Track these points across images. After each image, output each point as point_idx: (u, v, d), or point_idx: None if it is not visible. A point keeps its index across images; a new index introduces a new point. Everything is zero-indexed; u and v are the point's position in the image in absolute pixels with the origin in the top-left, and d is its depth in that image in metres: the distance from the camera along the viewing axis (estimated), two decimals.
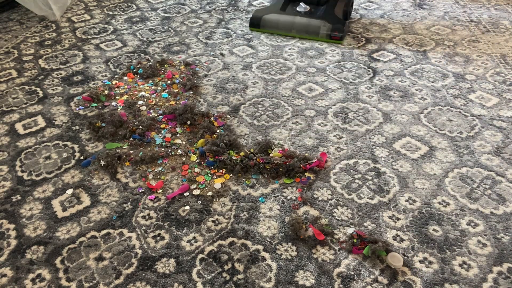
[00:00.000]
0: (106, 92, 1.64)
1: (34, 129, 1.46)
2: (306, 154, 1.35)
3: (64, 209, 1.16)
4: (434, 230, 1.10)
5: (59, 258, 1.03)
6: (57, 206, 1.17)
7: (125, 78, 1.75)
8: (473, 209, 1.16)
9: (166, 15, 2.29)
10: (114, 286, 0.97)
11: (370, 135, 1.43)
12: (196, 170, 1.29)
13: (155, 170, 1.29)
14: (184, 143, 1.40)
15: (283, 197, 1.20)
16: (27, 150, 1.37)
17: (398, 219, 1.14)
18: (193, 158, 1.33)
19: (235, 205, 1.18)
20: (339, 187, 1.23)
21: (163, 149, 1.37)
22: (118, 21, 2.23)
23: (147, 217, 1.14)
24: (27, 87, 1.68)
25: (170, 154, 1.35)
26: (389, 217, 1.14)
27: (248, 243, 1.07)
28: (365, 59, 1.86)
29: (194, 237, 1.08)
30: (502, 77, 1.72)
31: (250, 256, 1.04)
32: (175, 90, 1.66)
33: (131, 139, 1.41)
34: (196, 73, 1.77)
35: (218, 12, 2.33)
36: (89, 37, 2.07)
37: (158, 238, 1.08)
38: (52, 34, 2.09)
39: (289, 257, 1.04)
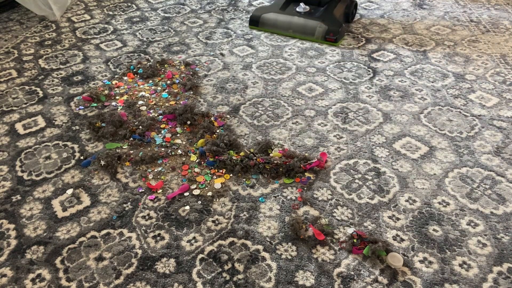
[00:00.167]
0: (106, 92, 1.64)
1: (34, 129, 1.46)
2: (306, 154, 1.35)
3: (64, 209, 1.16)
4: (434, 230, 1.10)
5: (59, 258, 1.03)
6: (57, 206, 1.17)
7: (125, 78, 1.75)
8: (473, 209, 1.16)
9: (166, 15, 2.29)
10: (114, 286, 0.97)
11: (370, 135, 1.43)
12: (196, 170, 1.29)
13: (155, 170, 1.29)
14: (184, 143, 1.40)
15: (283, 197, 1.20)
16: (27, 150, 1.37)
17: (398, 219, 1.14)
18: (193, 158, 1.33)
19: (235, 205, 1.18)
20: (339, 187, 1.23)
21: (163, 149, 1.37)
22: (118, 21, 2.23)
23: (147, 217, 1.14)
24: (27, 87, 1.68)
25: (170, 154, 1.35)
26: (389, 217, 1.14)
27: (248, 243, 1.07)
28: (365, 59, 1.86)
29: (194, 237, 1.08)
30: (502, 77, 1.72)
31: (250, 256, 1.04)
32: (175, 90, 1.66)
33: (131, 139, 1.41)
34: (196, 73, 1.77)
35: (218, 12, 2.33)
36: (89, 37, 2.07)
37: (158, 238, 1.08)
38: (52, 34, 2.09)
39: (289, 257, 1.04)
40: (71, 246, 1.06)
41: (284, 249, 1.06)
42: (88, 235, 1.09)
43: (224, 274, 0.99)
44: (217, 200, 1.19)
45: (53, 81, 1.72)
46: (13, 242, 1.08)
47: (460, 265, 1.02)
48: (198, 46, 1.98)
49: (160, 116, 1.51)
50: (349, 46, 1.98)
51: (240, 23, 2.20)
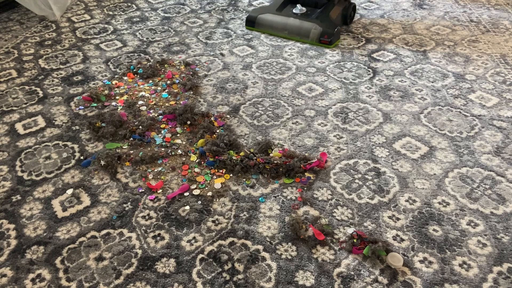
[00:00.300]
0: (106, 92, 1.64)
1: (34, 129, 1.46)
2: (306, 154, 1.35)
3: (64, 209, 1.16)
4: (434, 230, 1.10)
5: (59, 258, 1.03)
6: (57, 206, 1.17)
7: (125, 78, 1.75)
8: (473, 209, 1.16)
9: (166, 15, 2.29)
10: (114, 286, 0.97)
11: (370, 135, 1.43)
12: (196, 170, 1.29)
13: (155, 170, 1.29)
14: (184, 143, 1.40)
15: (283, 197, 1.20)
16: (27, 150, 1.37)
17: (398, 219, 1.14)
18: (193, 158, 1.33)
19: (235, 205, 1.18)
20: (339, 187, 1.23)
21: (163, 149, 1.37)
22: (118, 21, 2.23)
23: (147, 217, 1.14)
24: (27, 87, 1.68)
25: (170, 154, 1.35)
26: (389, 217, 1.14)
27: (248, 243, 1.07)
28: (365, 59, 1.86)
29: (194, 237, 1.08)
30: (502, 77, 1.72)
31: (250, 256, 1.04)
32: (175, 90, 1.66)
33: (131, 139, 1.41)
34: (196, 73, 1.77)
35: (218, 12, 2.33)
36: (89, 37, 2.07)
37: (158, 238, 1.08)
38: (52, 34, 2.09)
39: (289, 257, 1.04)
40: (71, 246, 1.06)
41: (284, 249, 1.06)
42: (88, 235, 1.09)
43: (224, 274, 0.99)
44: (217, 200, 1.19)
45: (53, 81, 1.72)
46: (13, 242, 1.08)
47: (460, 265, 1.02)
48: (198, 46, 1.98)
49: (160, 116, 1.51)
50: (349, 46, 1.97)
51: (240, 23, 2.20)
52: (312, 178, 1.26)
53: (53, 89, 1.67)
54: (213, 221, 1.13)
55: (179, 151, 1.36)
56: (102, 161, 1.29)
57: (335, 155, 1.35)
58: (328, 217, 1.14)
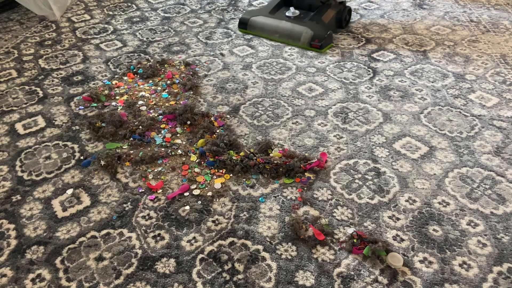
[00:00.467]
0: (106, 92, 1.64)
1: (34, 129, 1.46)
2: (306, 154, 1.35)
3: (64, 209, 1.16)
4: (434, 230, 1.10)
5: (59, 258, 1.03)
6: (57, 206, 1.17)
7: (125, 78, 1.75)
8: (473, 209, 1.16)
9: (166, 15, 2.29)
10: (114, 286, 0.97)
11: (370, 135, 1.43)
12: (196, 170, 1.29)
13: (155, 170, 1.29)
14: (184, 143, 1.40)
15: (283, 197, 1.20)
16: (27, 150, 1.37)
17: (398, 219, 1.14)
18: (193, 158, 1.33)
19: (235, 205, 1.18)
20: (339, 187, 1.23)
21: (163, 149, 1.37)
22: (118, 21, 2.23)
23: (147, 217, 1.14)
24: (27, 87, 1.68)
25: (170, 154, 1.35)
26: (389, 217, 1.14)
27: (248, 243, 1.07)
28: (365, 59, 1.86)
29: (194, 237, 1.08)
30: (502, 77, 1.72)
31: (250, 256, 1.04)
32: (175, 90, 1.66)
33: (131, 139, 1.41)
34: (196, 73, 1.77)
35: (218, 12, 2.33)
36: (89, 37, 2.07)
37: (158, 238, 1.08)
38: (52, 34, 2.09)
39: (289, 257, 1.04)
40: (71, 246, 1.06)
41: (284, 249, 1.06)
42: (88, 235, 1.09)
43: (224, 274, 0.99)
44: (217, 200, 1.19)
45: (53, 81, 1.72)
46: (13, 242, 1.08)
47: (460, 265, 1.02)
48: (198, 46, 1.98)
49: (160, 116, 1.51)
50: (349, 46, 1.97)
51: None
52: (312, 178, 1.26)
53: (53, 89, 1.67)
54: (213, 221, 1.13)
55: (179, 151, 1.36)
56: (102, 161, 1.29)
57: (335, 155, 1.35)
58: (328, 217, 1.14)
